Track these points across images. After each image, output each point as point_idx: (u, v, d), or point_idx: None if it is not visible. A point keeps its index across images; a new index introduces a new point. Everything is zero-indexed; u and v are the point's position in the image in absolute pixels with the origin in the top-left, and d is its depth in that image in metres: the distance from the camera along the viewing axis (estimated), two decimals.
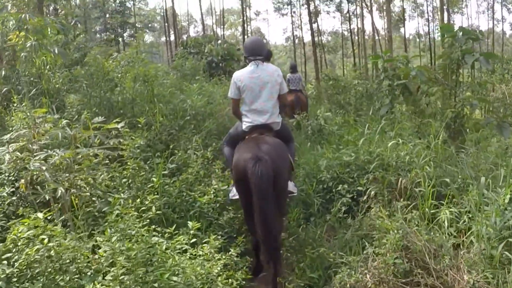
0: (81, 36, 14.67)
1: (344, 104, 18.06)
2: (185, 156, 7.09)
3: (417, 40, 69.15)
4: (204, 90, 10.96)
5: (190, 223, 4.88)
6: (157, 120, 8.01)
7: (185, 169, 6.74)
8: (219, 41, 29.00)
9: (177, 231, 4.87)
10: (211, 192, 6.20)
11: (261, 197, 4.96)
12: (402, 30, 64.68)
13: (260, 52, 6.06)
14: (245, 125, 6.00)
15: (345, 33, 61.27)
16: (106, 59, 8.82)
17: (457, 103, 9.40)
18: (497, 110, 10.57)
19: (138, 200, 5.25)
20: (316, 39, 52.05)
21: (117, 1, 43.85)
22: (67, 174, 5.24)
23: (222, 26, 65.41)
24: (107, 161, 6.12)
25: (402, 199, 6.45)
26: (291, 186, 6.13)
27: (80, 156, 5.42)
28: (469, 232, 5.44)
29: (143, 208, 5.10)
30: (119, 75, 8.74)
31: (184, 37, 41.87)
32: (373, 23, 46.91)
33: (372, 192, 6.81)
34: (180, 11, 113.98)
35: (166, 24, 54.64)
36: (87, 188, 5.24)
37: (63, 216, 4.97)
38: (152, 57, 26.55)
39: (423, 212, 6.13)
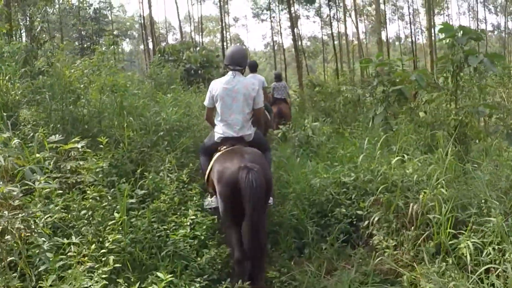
0: (48, 43, 13.55)
1: (330, 112, 17.19)
2: (157, 179, 6.04)
3: (396, 43, 68.82)
4: (180, 100, 9.89)
5: (160, 274, 3.83)
6: (125, 136, 6.96)
7: (157, 195, 5.71)
8: (198, 48, 28.08)
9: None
10: (187, 225, 5.14)
11: (255, 207, 4.79)
12: (382, 33, 64.08)
13: (240, 62, 6.01)
14: (217, 136, 5.96)
15: (325, 37, 60.89)
16: (68, 67, 7.68)
17: (459, 110, 8.54)
18: (503, 117, 9.65)
19: (93, 246, 4.22)
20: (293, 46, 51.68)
21: (92, 8, 42.66)
22: None
23: (200, 33, 64.72)
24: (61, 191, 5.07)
25: (412, 227, 5.52)
26: None
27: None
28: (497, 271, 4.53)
29: (103, 252, 4.16)
30: (82, 86, 7.61)
31: (163, 44, 40.81)
32: (357, 27, 45.83)
33: (376, 218, 5.87)
34: (158, 19, 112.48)
35: (143, 31, 53.52)
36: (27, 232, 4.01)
37: None
38: (131, 65, 25.30)
39: (439, 243, 5.26)
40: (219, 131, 5.93)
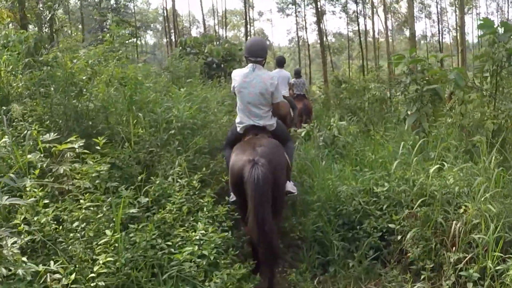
0: (61, 31, 12.96)
1: (356, 110, 16.44)
2: (164, 184, 5.34)
3: (422, 42, 67.57)
4: (196, 95, 9.19)
5: None
6: (132, 134, 6.27)
7: (165, 203, 5.03)
8: (220, 41, 27.41)
9: None
10: (196, 240, 4.40)
11: (258, 202, 4.80)
12: (406, 31, 63.02)
13: (259, 53, 5.94)
14: (238, 126, 5.98)
15: (351, 34, 60.09)
16: (69, 57, 6.99)
17: (498, 113, 7.81)
18: None
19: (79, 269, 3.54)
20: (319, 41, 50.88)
21: None
22: None
23: (224, 27, 64.08)
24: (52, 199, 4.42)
25: (454, 248, 4.82)
26: (289, 186, 5.96)
27: None
28: None
29: (91, 276, 3.53)
30: (85, 78, 6.88)
31: (185, 37, 40.31)
32: (386, 23, 44.76)
33: (410, 234, 5.18)
34: (182, 12, 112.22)
35: (166, 24, 53.04)
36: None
37: None
38: (154, 58, 24.68)
39: (484, 267, 4.56)
40: (239, 120, 5.98)
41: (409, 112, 8.89)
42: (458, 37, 20.87)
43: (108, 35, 7.53)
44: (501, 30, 7.94)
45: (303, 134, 10.38)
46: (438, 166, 5.86)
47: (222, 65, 23.97)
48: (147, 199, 5.00)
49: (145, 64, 13.48)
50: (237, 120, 6.03)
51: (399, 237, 5.44)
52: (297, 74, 16.24)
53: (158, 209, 4.92)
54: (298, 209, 6.54)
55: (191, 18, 76.99)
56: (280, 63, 12.86)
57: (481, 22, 8.28)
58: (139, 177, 5.37)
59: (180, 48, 25.26)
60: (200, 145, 6.67)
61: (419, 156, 6.62)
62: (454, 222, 4.92)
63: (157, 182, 5.30)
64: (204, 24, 58.61)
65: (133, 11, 51.72)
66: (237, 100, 6.03)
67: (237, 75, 5.99)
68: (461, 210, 5.11)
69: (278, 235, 5.40)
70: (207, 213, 4.97)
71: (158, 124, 6.79)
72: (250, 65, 5.94)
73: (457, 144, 7.18)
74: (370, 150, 8.23)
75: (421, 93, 8.62)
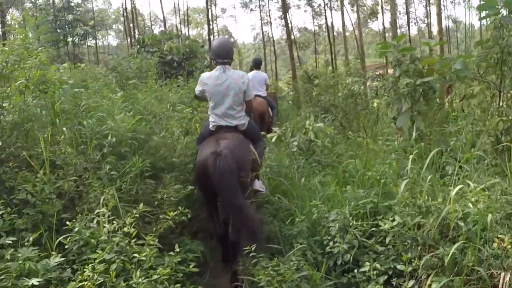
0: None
1: (329, 107, 15.05)
2: (87, 231, 3.76)
3: (386, 34, 66.90)
4: (141, 99, 7.58)
5: None
6: (46, 158, 4.63)
7: (88, 258, 3.49)
8: (181, 38, 25.80)
9: None
10: None
11: (227, 192, 4.97)
12: (370, 24, 62.59)
13: (226, 55, 6.02)
14: (211, 124, 6.04)
15: (316, 28, 59.06)
16: None
17: (505, 108, 6.56)
18: None
19: None
20: (286, 35, 49.60)
21: None
22: None
23: (187, 26, 62.36)
24: None
25: None
26: (257, 185, 6.21)
27: None
28: None
29: None
30: None
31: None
32: (358, 14, 43.23)
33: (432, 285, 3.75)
34: (145, 11, 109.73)
35: (125, 22, 51.06)
36: None
37: None
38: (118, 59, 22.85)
39: None
40: (213, 119, 6.01)
41: (400, 111, 7.52)
42: (436, 25, 19.63)
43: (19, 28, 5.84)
44: (504, 11, 6.68)
45: (274, 139, 8.88)
46: (460, 186, 4.36)
47: (183, 63, 22.48)
48: (57, 259, 3.42)
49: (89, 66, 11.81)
50: (211, 119, 6.05)
51: (411, 283, 3.97)
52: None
53: (77, 270, 3.39)
54: (273, 249, 5.03)
55: (153, 17, 75.13)
56: (257, 64, 12.76)
57: (483, 2, 6.99)
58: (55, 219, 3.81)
59: (138, 47, 23.70)
60: (140, 167, 5.06)
61: (429, 169, 5.14)
62: (502, 274, 3.43)
63: (76, 229, 3.73)
64: (165, 22, 56.77)
65: (91, 10, 49.68)
66: (209, 103, 6.06)
67: (207, 78, 6.03)
68: (495, 245, 3.71)
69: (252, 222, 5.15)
70: (147, 271, 3.43)
71: (90, 139, 5.20)
72: (219, 67, 5.98)
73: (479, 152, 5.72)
74: (359, 161, 6.71)
75: (414, 88, 7.22)
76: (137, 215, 3.97)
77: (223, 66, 5.97)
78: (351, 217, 4.70)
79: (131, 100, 7.25)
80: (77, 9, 40.54)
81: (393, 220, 4.32)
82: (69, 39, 39.33)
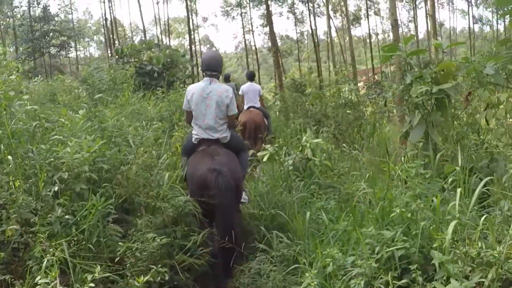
0: None
1: (320, 118, 13.99)
2: None
3: (367, 41, 66.43)
4: (104, 118, 6.43)
5: None
6: None
7: None
8: (161, 47, 24.71)
9: None
10: None
11: (226, 210, 5.17)
12: (353, 31, 62.09)
13: (215, 67, 6.14)
14: (193, 137, 6.09)
15: (299, 35, 58.41)
16: None
17: None
18: None
19: None
20: (270, 43, 48.74)
21: (40, 6, 38.27)
22: None
23: (168, 36, 61.22)
24: None
25: None
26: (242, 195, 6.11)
27: None
28: None
29: None
30: None
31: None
32: (348, 19, 42.31)
33: None
34: (125, 21, 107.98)
35: (105, 33, 49.78)
36: None
37: None
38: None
39: None
40: (195, 132, 6.07)
41: (412, 123, 6.50)
42: (430, 27, 18.55)
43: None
44: None
45: (265, 158, 7.81)
46: None
47: (164, 74, 21.44)
48: None
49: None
50: (194, 131, 6.11)
51: None
52: (227, 79, 14.92)
53: None
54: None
55: (134, 27, 73.86)
56: (251, 77, 13.23)
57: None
58: None
59: (116, 57, 22.59)
60: (103, 209, 3.93)
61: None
62: None
63: None
64: (145, 31, 55.45)
65: (70, 20, 48.38)
66: (193, 113, 6.06)
67: (192, 90, 6.11)
68: None
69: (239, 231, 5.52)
70: None
71: (40, 172, 4.07)
72: (206, 78, 6.09)
73: None
74: (376, 189, 5.62)
75: (430, 96, 6.20)
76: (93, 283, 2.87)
77: (210, 78, 6.06)
78: (377, 267, 3.62)
79: (97, 118, 6.12)
80: (55, 19, 39.11)
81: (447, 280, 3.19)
82: (47, 50, 37.96)
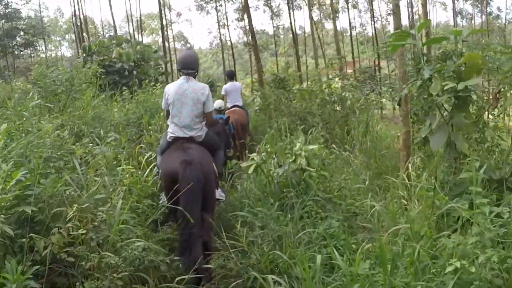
0: None
1: (305, 116, 12.79)
2: None
3: (344, 34, 65.43)
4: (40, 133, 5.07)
5: None
6: None
7: None
8: (131, 43, 23.26)
9: None
10: None
11: (191, 199, 5.12)
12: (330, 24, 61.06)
13: (192, 66, 6.21)
14: (168, 135, 6.13)
15: (275, 29, 57.34)
16: None
17: None
18: None
19: None
20: (246, 38, 47.71)
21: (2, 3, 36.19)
22: None
23: (141, 32, 59.48)
24: None
25: None
26: (217, 193, 6.27)
27: None
28: None
29: None
30: None
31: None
32: (334, 12, 40.93)
33: None
34: (96, 19, 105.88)
35: (75, 31, 47.76)
36: None
37: None
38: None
39: None
40: (171, 130, 6.11)
41: (431, 126, 5.32)
42: (422, 17, 17.25)
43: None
44: None
45: (251, 169, 6.57)
46: None
47: (135, 72, 20.04)
48: None
49: None
50: (169, 129, 6.13)
51: None
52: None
53: None
54: None
55: (106, 24, 71.79)
56: (231, 76, 13.26)
57: None
58: None
59: (84, 55, 21.13)
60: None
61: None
62: None
63: None
64: (115, 28, 53.38)
65: (37, 18, 46.39)
66: (170, 112, 6.08)
67: (169, 88, 6.18)
68: None
69: (209, 232, 5.51)
70: None
71: None
72: (182, 77, 6.16)
73: None
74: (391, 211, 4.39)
75: (454, 94, 5.01)
76: None
77: (187, 76, 6.13)
78: None
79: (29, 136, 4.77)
80: (17, 16, 37.15)
81: None
82: (10, 50, 35.99)
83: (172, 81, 16.35)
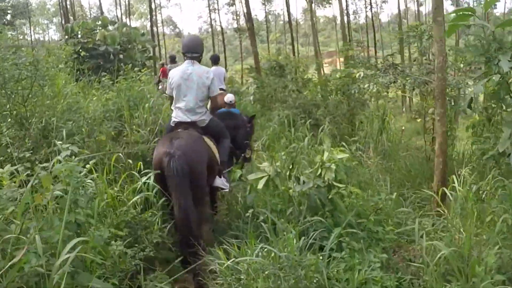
0: None
1: (310, 108, 11.35)
2: None
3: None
4: None
5: None
6: None
7: None
8: (116, 25, 21.59)
9: None
10: None
11: (178, 192, 4.97)
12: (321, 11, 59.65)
13: (196, 49, 6.16)
14: (172, 120, 6.12)
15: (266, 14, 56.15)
16: None
17: None
18: None
19: None
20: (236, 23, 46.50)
21: None
22: None
23: (128, 16, 57.84)
24: None
25: None
26: (219, 182, 6.11)
27: None
28: None
29: None
30: None
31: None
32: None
33: None
34: (84, 2, 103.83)
35: (61, 13, 46.00)
36: None
37: None
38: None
39: None
40: (174, 115, 6.04)
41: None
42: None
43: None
44: None
45: (261, 184, 5.07)
46: None
47: (122, 55, 18.54)
48: None
49: None
50: (173, 114, 6.07)
51: None
52: (172, 60, 15.90)
53: None
54: None
55: (94, 7, 70.11)
56: (215, 60, 12.95)
57: None
58: None
59: (66, 37, 19.53)
60: None
61: None
62: None
63: None
64: (101, 9, 51.59)
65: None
66: (173, 96, 6.03)
67: (174, 72, 6.10)
68: None
69: (201, 225, 5.41)
70: None
71: None
72: (187, 61, 6.07)
73: None
74: None
75: None
76: None
77: (191, 60, 6.05)
78: None
79: None
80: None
81: None
82: None
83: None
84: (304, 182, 4.83)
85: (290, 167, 5.19)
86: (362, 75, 9.73)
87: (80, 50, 18.41)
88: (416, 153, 9.21)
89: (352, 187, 5.03)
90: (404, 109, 27.21)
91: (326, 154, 4.91)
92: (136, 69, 10.05)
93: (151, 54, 24.35)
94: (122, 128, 7.46)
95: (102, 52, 18.11)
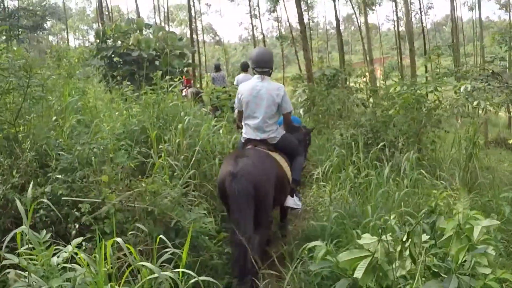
0: None
1: (379, 128, 9.40)
2: None
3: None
4: None
5: None
6: None
7: None
8: (152, 28, 19.93)
9: None
10: None
11: (238, 213, 4.81)
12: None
13: (266, 64, 5.94)
14: (242, 135, 6.06)
15: (308, 22, 54.48)
16: None
17: None
18: None
19: None
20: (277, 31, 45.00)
21: None
22: None
23: (168, 23, 56.88)
24: None
25: None
26: (290, 201, 6.07)
27: None
28: None
29: None
30: None
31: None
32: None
33: None
34: (123, 8, 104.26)
35: (98, 18, 44.91)
36: None
37: None
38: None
39: None
40: (244, 131, 5.95)
41: None
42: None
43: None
44: None
45: (360, 272, 3.11)
46: None
47: (158, 62, 16.90)
48: None
49: None
50: (243, 130, 6.00)
51: None
52: (217, 68, 16.89)
53: None
54: None
55: (133, 13, 69.81)
56: (245, 67, 13.32)
57: None
58: None
59: (97, 41, 17.95)
60: None
61: None
62: None
63: None
64: (138, 13, 50.37)
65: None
66: (243, 113, 5.90)
67: (243, 88, 5.94)
68: None
69: (259, 250, 4.93)
70: None
71: None
72: (256, 76, 5.90)
73: None
74: None
75: None
76: None
77: (261, 76, 5.86)
78: None
79: None
80: None
81: None
82: (15, 32, 32.66)
83: (200, 74, 13.96)
84: (439, 275, 2.85)
85: (404, 238, 3.18)
86: (469, 88, 7.72)
87: (113, 56, 16.93)
88: None
89: (501, 270, 3.07)
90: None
91: (460, 215, 2.96)
92: (167, 77, 8.02)
93: (190, 60, 22.63)
94: (146, 157, 5.69)
95: (136, 57, 16.52)
